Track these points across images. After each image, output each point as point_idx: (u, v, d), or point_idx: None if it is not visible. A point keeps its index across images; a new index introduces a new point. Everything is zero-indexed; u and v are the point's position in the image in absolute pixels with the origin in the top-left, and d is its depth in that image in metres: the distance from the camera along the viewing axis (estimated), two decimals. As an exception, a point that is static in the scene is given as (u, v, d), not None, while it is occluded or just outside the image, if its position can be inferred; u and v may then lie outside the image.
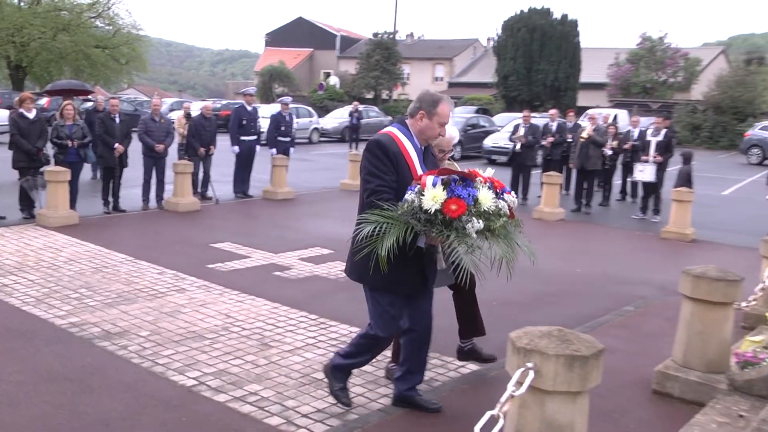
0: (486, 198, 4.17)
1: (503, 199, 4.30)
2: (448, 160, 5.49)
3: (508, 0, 57.56)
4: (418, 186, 4.23)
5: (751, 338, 6.27)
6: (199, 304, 7.41)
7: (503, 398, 3.08)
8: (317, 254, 10.01)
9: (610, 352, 6.53)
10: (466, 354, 5.92)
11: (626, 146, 16.51)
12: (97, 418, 4.76)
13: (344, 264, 9.19)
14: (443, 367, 6.07)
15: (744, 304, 7.33)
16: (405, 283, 4.75)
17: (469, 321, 5.88)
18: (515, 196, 4.56)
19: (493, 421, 3.01)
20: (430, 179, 4.19)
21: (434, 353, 6.29)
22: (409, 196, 4.24)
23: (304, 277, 8.78)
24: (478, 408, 3.18)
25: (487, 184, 4.28)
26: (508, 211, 4.30)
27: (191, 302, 7.48)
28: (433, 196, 4.09)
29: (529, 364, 3.10)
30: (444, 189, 4.14)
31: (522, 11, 48.61)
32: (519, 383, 3.09)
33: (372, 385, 5.58)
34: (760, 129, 32.71)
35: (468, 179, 4.25)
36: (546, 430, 3.14)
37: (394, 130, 4.86)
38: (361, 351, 5.01)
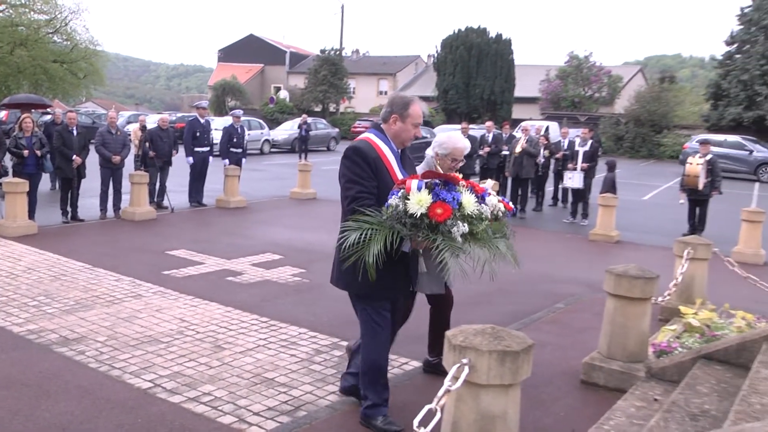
0: (469, 202, 4.01)
1: (485, 203, 4.15)
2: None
3: (447, 19, 58.12)
4: (402, 190, 4.05)
5: (669, 328, 6.46)
6: (155, 310, 7.28)
7: (440, 392, 3.09)
8: (268, 260, 9.93)
9: (542, 346, 6.64)
10: (433, 367, 5.83)
11: (557, 155, 16.76)
12: (54, 423, 4.64)
13: (294, 269, 9.29)
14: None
15: (660, 299, 7.53)
16: (392, 288, 4.57)
17: (442, 339, 5.84)
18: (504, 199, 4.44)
19: (431, 414, 3.02)
20: (414, 183, 4.01)
21: (379, 352, 6.32)
22: (393, 200, 4.05)
23: (255, 282, 8.69)
24: (419, 402, 3.19)
25: (468, 188, 4.13)
26: (489, 215, 4.15)
27: (147, 307, 7.34)
28: (418, 200, 3.92)
29: (465, 360, 3.12)
30: (429, 193, 3.97)
31: (460, 30, 49.08)
32: (455, 378, 3.10)
33: (320, 383, 5.55)
34: (696, 142, 32.52)
35: (450, 183, 4.08)
36: (481, 421, 3.16)
37: (370, 135, 4.66)
38: (367, 382, 4.75)
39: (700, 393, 4.56)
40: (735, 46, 42.74)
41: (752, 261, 11.36)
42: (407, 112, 4.61)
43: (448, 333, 3.32)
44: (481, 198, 4.13)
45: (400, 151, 4.72)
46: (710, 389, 4.64)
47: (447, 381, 3.10)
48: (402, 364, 6.10)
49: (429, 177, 4.08)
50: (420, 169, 5.32)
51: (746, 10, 42.11)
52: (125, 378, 5.44)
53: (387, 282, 4.41)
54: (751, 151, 31.12)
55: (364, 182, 4.40)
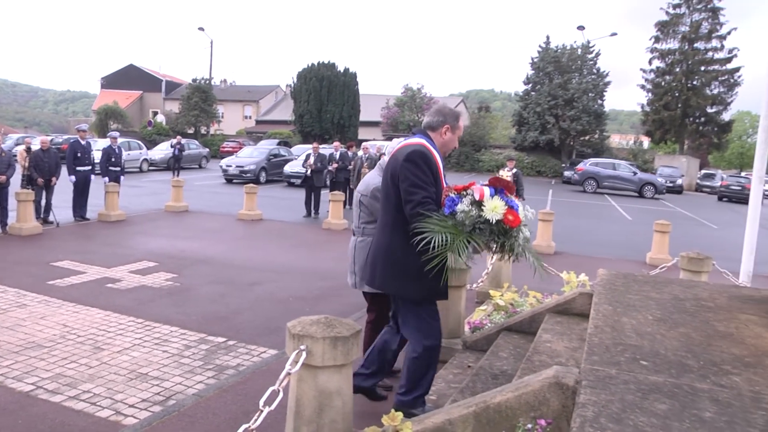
0: (522, 210, 3.67)
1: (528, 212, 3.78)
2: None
3: (302, 53, 58.02)
4: (470, 197, 3.57)
5: (480, 309, 6.77)
6: (38, 317, 6.81)
7: (282, 376, 3.08)
8: (144, 267, 9.53)
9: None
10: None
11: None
12: (-63, 428, 4.27)
13: (168, 274, 8.97)
14: (248, 354, 5.99)
15: (475, 285, 7.87)
16: (443, 293, 4.00)
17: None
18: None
19: (275, 394, 3.01)
20: (487, 190, 3.57)
21: (241, 342, 6.25)
22: (463, 206, 3.53)
23: (132, 287, 8.30)
24: (273, 384, 3.16)
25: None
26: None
27: (31, 316, 6.85)
28: (493, 206, 3.49)
29: (302, 347, 3.12)
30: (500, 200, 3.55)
31: (312, 64, 49.00)
32: (295, 362, 3.11)
33: (189, 374, 5.40)
34: (591, 165, 33.55)
35: (505, 191, 3.65)
36: (319, 397, 3.18)
37: (424, 141, 3.95)
38: (419, 374, 4.01)
39: (501, 357, 4.82)
40: (530, 85, 46.85)
41: (544, 251, 12.01)
42: (458, 124, 4.12)
43: (288, 324, 3.30)
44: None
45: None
46: (509, 354, 4.92)
47: (287, 365, 3.10)
48: (261, 353, 6.04)
49: (494, 185, 3.64)
50: (374, 175, 5.09)
51: (535, 59, 46.13)
52: (7, 383, 5.06)
53: (441, 286, 3.89)
54: (636, 173, 32.88)
55: (428, 188, 3.75)
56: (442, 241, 3.40)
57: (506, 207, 3.52)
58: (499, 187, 3.63)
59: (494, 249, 3.66)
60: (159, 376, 5.35)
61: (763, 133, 8.46)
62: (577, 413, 2.39)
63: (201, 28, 51.09)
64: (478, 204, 3.52)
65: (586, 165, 33.64)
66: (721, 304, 4.77)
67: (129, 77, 68.67)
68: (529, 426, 2.65)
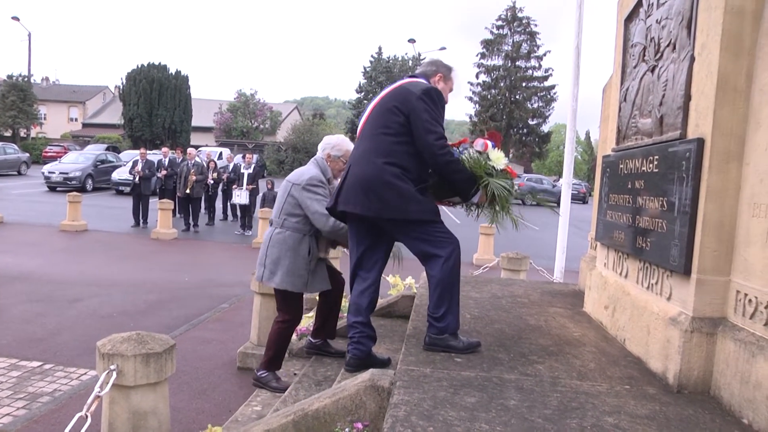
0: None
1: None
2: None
3: (131, 54, 55.16)
4: (473, 148, 3.72)
5: (307, 316, 6.76)
6: None
7: (90, 399, 2.88)
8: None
9: (207, 342, 6.60)
10: (317, 348, 5.11)
11: (224, 176, 16.81)
12: None
13: None
14: (66, 378, 5.55)
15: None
16: (436, 210, 3.71)
17: (329, 322, 5.15)
18: None
19: (82, 420, 2.80)
20: (490, 143, 3.71)
21: (58, 365, 5.79)
22: (469, 154, 3.65)
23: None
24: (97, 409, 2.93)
25: None
26: None
27: None
28: (498, 157, 3.66)
29: (113, 366, 2.98)
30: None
31: (142, 65, 46.80)
32: (105, 383, 2.95)
33: (-6, 402, 4.91)
34: (527, 180, 36.61)
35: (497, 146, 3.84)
36: (133, 419, 3.05)
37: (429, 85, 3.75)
38: (450, 291, 3.65)
39: (325, 363, 4.84)
40: (363, 93, 48.89)
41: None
42: (450, 76, 3.94)
43: (98, 343, 3.12)
44: None
45: None
46: (332, 360, 4.95)
47: (96, 387, 2.93)
48: (80, 375, 5.61)
49: (491, 138, 3.79)
50: (309, 167, 4.74)
51: (368, 69, 47.96)
52: None
53: (434, 204, 3.71)
54: (555, 185, 36.29)
55: (443, 126, 3.63)
56: (479, 179, 3.59)
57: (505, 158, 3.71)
58: (493, 142, 3.80)
59: (486, 200, 3.70)
60: (-44, 410, 4.79)
61: (569, 144, 9.43)
62: (389, 414, 2.46)
63: (15, 18, 46.64)
64: (485, 155, 3.67)
65: (524, 181, 37.18)
66: (534, 299, 5.16)
67: (-72, 72, 61.53)
68: (347, 430, 2.69)
